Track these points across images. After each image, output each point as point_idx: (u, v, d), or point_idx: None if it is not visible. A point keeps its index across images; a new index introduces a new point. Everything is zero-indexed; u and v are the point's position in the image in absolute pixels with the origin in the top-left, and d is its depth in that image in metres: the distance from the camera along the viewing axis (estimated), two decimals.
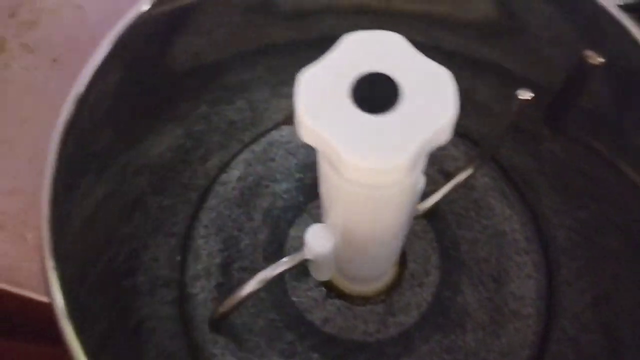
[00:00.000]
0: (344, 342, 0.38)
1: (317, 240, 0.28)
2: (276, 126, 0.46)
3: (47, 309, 0.51)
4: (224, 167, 0.45)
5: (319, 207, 0.43)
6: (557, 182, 0.41)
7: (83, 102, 0.26)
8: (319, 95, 0.18)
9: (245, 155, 0.45)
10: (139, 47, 0.29)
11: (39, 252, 0.26)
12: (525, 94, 0.30)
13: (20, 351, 0.59)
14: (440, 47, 0.36)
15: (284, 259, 0.30)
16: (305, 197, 0.43)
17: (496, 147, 0.36)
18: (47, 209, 0.24)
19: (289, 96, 0.18)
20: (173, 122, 0.39)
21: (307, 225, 0.43)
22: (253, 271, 0.41)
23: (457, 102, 0.19)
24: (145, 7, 0.27)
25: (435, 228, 0.41)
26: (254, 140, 0.45)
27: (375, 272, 0.35)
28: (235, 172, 0.44)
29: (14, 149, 0.47)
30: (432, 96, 0.18)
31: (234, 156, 0.45)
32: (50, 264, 0.25)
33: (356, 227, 0.26)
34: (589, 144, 0.36)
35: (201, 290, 0.40)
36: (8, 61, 0.43)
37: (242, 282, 0.41)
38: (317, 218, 0.42)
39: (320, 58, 0.19)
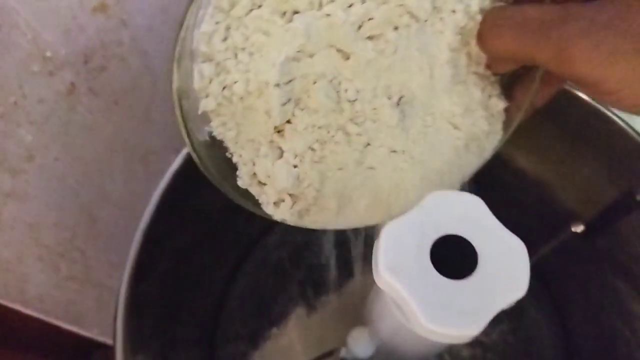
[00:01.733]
0: None
1: (358, 345, 0.29)
2: None
3: (70, 337, 0.52)
4: (265, 230, 0.46)
5: (352, 291, 0.44)
6: (586, 290, 0.42)
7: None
8: (401, 251, 0.19)
9: None
10: None
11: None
12: (578, 227, 0.31)
13: None
14: None
15: (322, 358, 0.30)
16: (341, 274, 0.44)
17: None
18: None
19: None
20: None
21: (338, 307, 0.44)
22: None
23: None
24: None
25: None
26: None
27: None
28: (275, 237, 0.45)
29: (64, 184, 0.48)
30: (507, 267, 0.19)
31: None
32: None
33: (402, 347, 0.27)
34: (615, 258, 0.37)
35: (229, 356, 0.41)
36: (74, 104, 0.45)
37: None
38: (349, 298, 0.43)
39: (405, 215, 0.20)
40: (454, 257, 0.20)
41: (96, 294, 0.57)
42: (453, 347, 0.41)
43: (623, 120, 0.29)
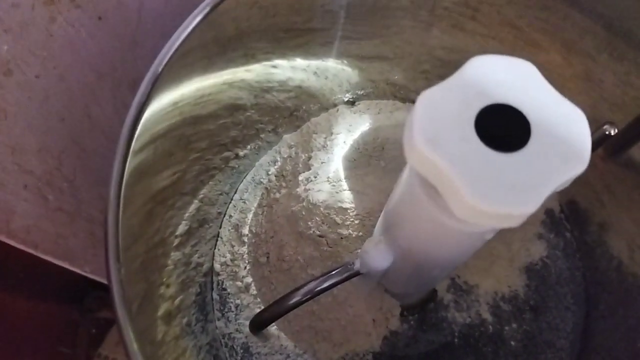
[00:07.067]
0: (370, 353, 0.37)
1: (375, 257, 0.27)
2: None
3: (58, 271, 0.49)
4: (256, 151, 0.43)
5: None
6: (606, 212, 0.40)
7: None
8: (440, 121, 0.17)
9: None
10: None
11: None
12: (611, 129, 0.28)
13: (26, 308, 0.58)
14: None
15: (334, 272, 0.28)
16: None
17: None
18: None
19: None
20: None
21: None
22: None
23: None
24: None
25: None
26: None
27: (419, 291, 0.34)
28: (266, 158, 0.43)
29: (47, 105, 0.45)
30: (564, 138, 0.17)
31: None
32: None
33: (425, 252, 0.24)
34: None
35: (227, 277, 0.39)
36: (55, 15, 0.41)
37: None
38: None
39: (444, 80, 0.17)
40: (502, 129, 0.17)
41: (87, 228, 0.54)
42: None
43: None
